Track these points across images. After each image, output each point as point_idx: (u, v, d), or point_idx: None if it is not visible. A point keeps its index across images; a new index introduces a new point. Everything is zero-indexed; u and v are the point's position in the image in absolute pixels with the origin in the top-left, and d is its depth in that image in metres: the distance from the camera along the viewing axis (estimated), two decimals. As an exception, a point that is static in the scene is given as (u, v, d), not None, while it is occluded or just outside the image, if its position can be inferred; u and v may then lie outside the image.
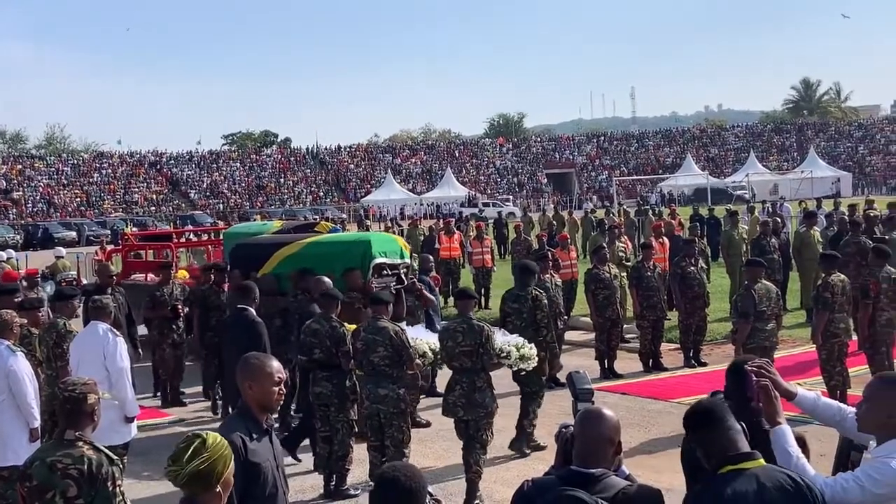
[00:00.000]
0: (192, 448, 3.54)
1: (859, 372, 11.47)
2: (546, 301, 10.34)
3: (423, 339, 8.97)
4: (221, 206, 76.49)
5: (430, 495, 3.54)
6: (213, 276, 13.00)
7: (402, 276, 12.03)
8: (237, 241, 13.79)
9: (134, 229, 47.75)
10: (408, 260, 12.62)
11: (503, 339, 9.39)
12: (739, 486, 3.51)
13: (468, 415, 8.47)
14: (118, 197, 77.34)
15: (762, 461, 3.62)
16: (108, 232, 52.33)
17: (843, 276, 11.13)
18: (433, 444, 10.25)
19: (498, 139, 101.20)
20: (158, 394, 13.28)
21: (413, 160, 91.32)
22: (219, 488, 3.59)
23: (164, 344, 13.04)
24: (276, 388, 4.56)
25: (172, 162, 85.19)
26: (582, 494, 3.42)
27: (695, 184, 72.17)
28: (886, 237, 15.06)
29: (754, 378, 4.10)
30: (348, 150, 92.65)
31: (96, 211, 72.68)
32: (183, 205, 77.25)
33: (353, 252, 11.78)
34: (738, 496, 3.48)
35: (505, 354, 9.23)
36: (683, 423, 3.79)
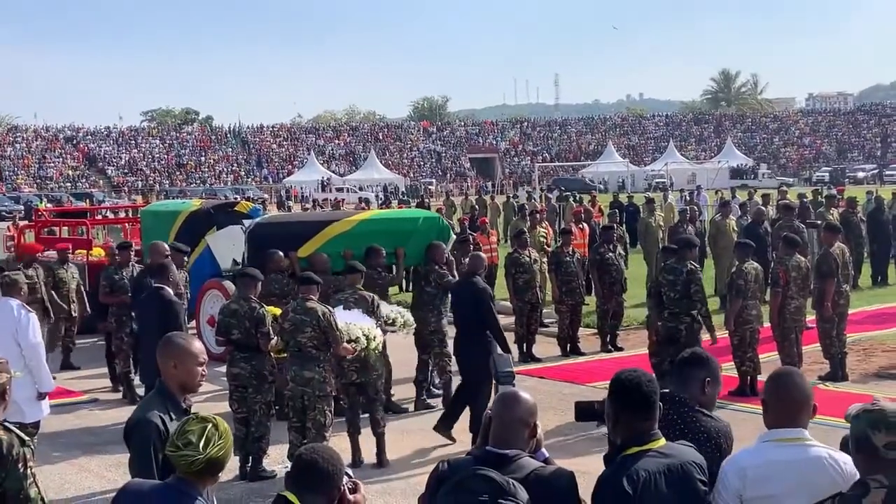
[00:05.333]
0: (205, 433, 3.48)
1: (770, 358, 11.80)
2: (700, 275, 10.72)
3: (356, 323, 8.96)
4: (140, 183, 75.13)
5: (349, 477, 3.57)
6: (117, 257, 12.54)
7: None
8: (257, 220, 13.28)
9: (48, 205, 46.68)
10: (453, 236, 12.78)
11: (388, 308, 10.02)
12: (649, 465, 3.61)
13: (362, 377, 8.98)
14: (32, 172, 75.44)
15: (663, 440, 3.72)
16: (22, 208, 51.00)
17: (756, 265, 11.43)
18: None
19: (422, 122, 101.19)
20: (120, 386, 12.21)
21: (336, 141, 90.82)
22: (220, 474, 3.60)
23: (122, 332, 11.98)
24: (200, 369, 4.54)
25: (90, 137, 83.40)
26: (493, 474, 3.47)
27: (617, 172, 72.91)
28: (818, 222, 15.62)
29: None
30: (271, 129, 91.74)
31: (9, 186, 70.79)
32: (100, 181, 75.70)
33: (432, 227, 12.01)
34: (650, 475, 3.58)
35: (391, 321, 9.91)
36: (613, 390, 3.78)
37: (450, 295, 10.73)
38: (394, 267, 11.72)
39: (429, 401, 11.17)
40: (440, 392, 11.23)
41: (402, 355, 11.16)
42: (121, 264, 12.42)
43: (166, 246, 11.28)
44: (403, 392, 11.37)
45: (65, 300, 13.84)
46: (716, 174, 69.45)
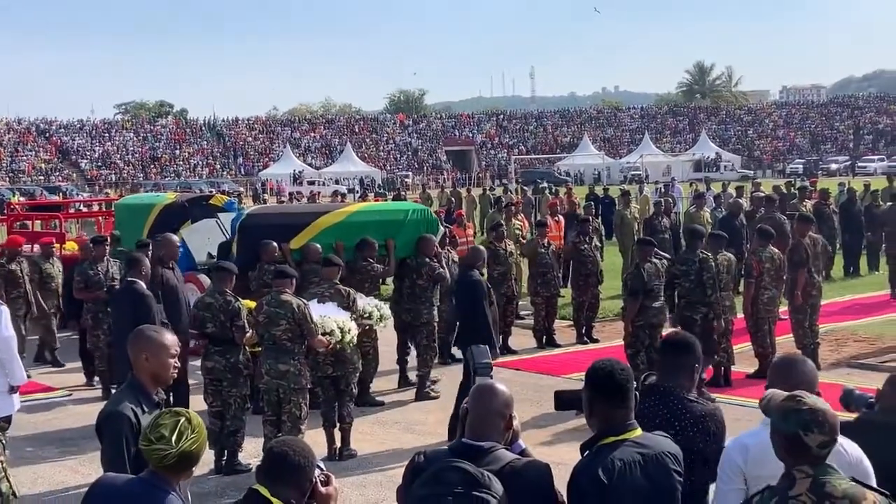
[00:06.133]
0: (178, 427, 3.46)
1: (744, 349, 11.89)
2: (713, 263, 10.82)
3: (331, 316, 8.97)
4: (114, 176, 74.57)
5: (321, 469, 3.57)
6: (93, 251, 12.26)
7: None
8: (248, 211, 13.16)
9: (21, 199, 46.23)
10: (442, 229, 12.74)
11: (364, 301, 9.92)
12: (625, 455, 3.64)
13: (337, 370, 9.06)
14: (4, 165, 74.69)
15: (639, 430, 3.76)
16: (-6, 202, 50.43)
17: (729, 256, 11.52)
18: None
19: (398, 115, 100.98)
20: (96, 381, 12.07)
21: (312, 134, 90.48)
22: (194, 468, 3.59)
23: (99, 330, 11.67)
24: (172, 361, 4.54)
25: (63, 130, 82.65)
26: (467, 466, 3.48)
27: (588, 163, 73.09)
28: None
29: None
30: (246, 122, 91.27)
31: (-20, 180, 70.07)
32: (74, 174, 75.09)
33: (421, 220, 11.91)
34: (625, 465, 3.62)
35: (367, 315, 9.85)
36: (588, 379, 3.82)
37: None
38: (385, 259, 11.72)
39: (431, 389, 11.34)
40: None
41: (382, 348, 11.22)
42: (95, 259, 12.12)
43: (178, 239, 11.13)
44: (379, 384, 11.39)
45: (53, 295, 13.61)
46: (690, 166, 69.89)
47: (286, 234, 11.37)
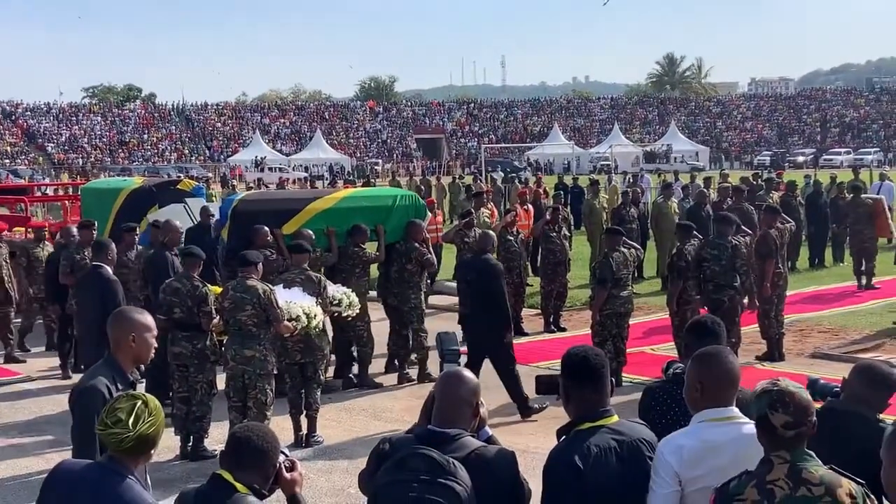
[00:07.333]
0: (135, 410, 3.43)
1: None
2: (745, 249, 10.99)
3: (297, 301, 8.95)
4: (81, 160, 73.81)
5: (286, 455, 3.56)
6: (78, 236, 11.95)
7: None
8: (240, 196, 13.01)
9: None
10: (429, 215, 12.73)
11: (333, 288, 10.01)
12: (601, 441, 3.68)
13: (306, 357, 9.07)
14: (-32, 148, 73.80)
15: (616, 417, 3.79)
16: (-43, 185, 49.73)
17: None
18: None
19: (368, 102, 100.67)
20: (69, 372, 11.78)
21: (282, 121, 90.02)
22: (152, 451, 3.56)
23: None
24: (154, 342, 4.60)
25: (29, 113, 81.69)
26: (433, 453, 3.49)
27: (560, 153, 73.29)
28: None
29: None
30: (215, 107, 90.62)
31: (-56, 162, 69.16)
32: (40, 158, 74.29)
33: (409, 205, 11.90)
34: (601, 451, 3.65)
35: (337, 302, 9.91)
36: (564, 366, 3.83)
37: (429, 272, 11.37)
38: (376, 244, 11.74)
39: (409, 372, 11.40)
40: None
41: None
42: (82, 244, 11.73)
43: (179, 223, 11.07)
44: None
45: (40, 280, 13.23)
46: (642, 157, 70.27)
47: (278, 220, 11.36)
